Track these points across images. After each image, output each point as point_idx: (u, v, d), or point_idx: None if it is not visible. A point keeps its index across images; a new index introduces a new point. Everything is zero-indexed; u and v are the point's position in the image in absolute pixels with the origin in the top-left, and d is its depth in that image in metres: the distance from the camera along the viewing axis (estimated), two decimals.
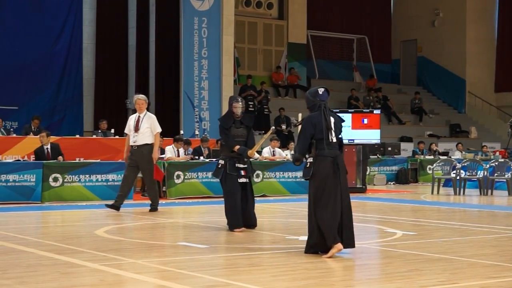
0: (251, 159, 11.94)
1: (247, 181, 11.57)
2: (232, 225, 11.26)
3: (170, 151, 18.62)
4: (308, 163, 8.98)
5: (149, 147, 14.37)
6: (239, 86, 28.83)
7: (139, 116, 14.45)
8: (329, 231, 8.70)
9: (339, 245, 8.68)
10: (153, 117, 14.64)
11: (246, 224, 11.46)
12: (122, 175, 15.24)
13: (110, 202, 14.78)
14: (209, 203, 16.88)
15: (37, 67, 24.27)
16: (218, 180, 11.86)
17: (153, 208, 14.71)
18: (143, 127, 14.33)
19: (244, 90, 28.09)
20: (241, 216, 11.32)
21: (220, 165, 11.52)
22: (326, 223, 8.72)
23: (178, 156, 18.75)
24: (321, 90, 9.14)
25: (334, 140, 8.99)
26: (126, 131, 14.69)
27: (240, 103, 11.58)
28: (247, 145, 11.51)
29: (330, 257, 8.60)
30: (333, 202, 8.76)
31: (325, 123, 8.93)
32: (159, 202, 15.62)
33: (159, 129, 14.59)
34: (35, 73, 24.24)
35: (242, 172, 11.44)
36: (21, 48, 24.03)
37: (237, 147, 11.39)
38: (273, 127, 13.26)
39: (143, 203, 16.79)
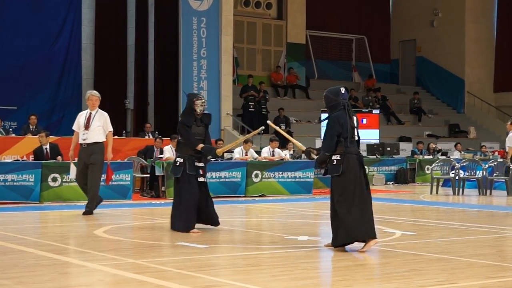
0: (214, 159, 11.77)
1: (205, 180, 11.36)
2: (189, 226, 10.95)
3: (169, 151, 18.58)
4: (335, 160, 9.18)
5: (100, 145, 13.78)
6: (238, 86, 28.83)
7: (90, 113, 13.81)
8: (356, 225, 9.02)
9: (375, 240, 9.11)
10: (106, 114, 14.04)
11: (209, 222, 11.34)
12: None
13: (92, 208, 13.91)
14: None
15: (36, 67, 24.29)
16: (176, 177, 11.28)
17: (88, 210, 13.65)
18: (95, 125, 13.72)
19: (245, 90, 28.07)
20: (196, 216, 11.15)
21: (178, 163, 11.14)
22: (353, 218, 9.03)
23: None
24: (343, 89, 9.37)
25: (356, 138, 9.34)
26: (74, 128, 13.92)
27: (202, 100, 11.37)
28: (204, 143, 11.27)
29: (365, 250, 8.97)
30: (362, 197, 9.14)
31: (349, 122, 9.22)
32: (158, 202, 15.55)
33: (111, 128, 14.10)
34: (34, 73, 24.27)
35: (201, 171, 11.17)
36: (20, 48, 24.05)
37: (201, 145, 11.20)
38: (262, 127, 13.07)
39: (142, 203, 16.82)
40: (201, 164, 11.22)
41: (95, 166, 13.69)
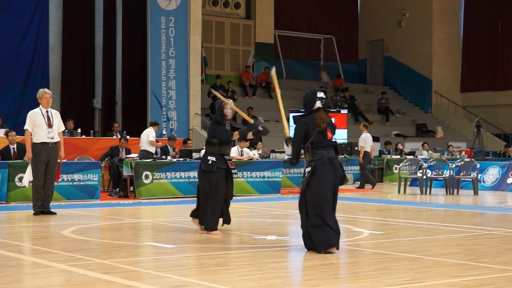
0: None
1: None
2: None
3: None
4: None
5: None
6: (207, 86, 28.79)
7: (47, 111, 13.73)
8: None
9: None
10: (59, 113, 14.08)
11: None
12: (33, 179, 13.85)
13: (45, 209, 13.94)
14: (177, 203, 16.83)
15: (2, 67, 24.09)
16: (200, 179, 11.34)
17: (49, 209, 13.87)
18: (56, 124, 13.69)
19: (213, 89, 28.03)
20: None
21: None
22: None
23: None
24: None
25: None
26: (28, 127, 13.64)
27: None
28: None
29: None
30: None
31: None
32: (126, 202, 15.40)
33: (64, 127, 14.23)
34: (1, 73, 24.05)
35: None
36: None
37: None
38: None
39: (110, 203, 16.73)
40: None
41: (54, 169, 13.73)
